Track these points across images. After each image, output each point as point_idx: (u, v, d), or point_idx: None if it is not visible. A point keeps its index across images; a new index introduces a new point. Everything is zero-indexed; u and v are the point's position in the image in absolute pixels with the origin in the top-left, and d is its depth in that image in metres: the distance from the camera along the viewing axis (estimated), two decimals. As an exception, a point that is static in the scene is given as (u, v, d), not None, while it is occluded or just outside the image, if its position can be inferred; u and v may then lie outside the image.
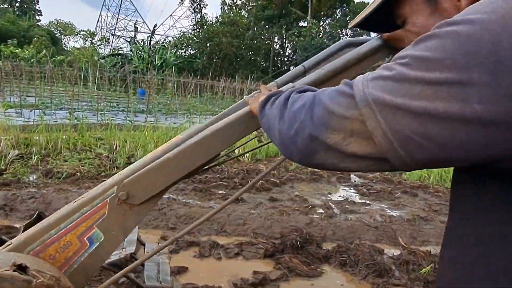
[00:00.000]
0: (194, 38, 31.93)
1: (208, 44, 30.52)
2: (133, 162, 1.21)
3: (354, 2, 42.38)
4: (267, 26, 40.12)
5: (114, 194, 1.02)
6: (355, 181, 6.31)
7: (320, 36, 38.58)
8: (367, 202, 5.12)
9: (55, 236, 1.00)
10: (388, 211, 4.76)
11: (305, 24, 40.73)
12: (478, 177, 0.51)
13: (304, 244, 3.03)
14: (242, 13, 36.35)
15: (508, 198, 0.48)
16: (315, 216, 4.01)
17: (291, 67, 44.05)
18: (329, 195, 5.26)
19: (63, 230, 1.00)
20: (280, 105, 0.63)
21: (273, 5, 38.69)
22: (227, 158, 1.74)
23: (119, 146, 5.94)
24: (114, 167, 5.18)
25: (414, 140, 0.42)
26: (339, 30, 41.66)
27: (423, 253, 3.26)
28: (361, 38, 1.54)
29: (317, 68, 1.48)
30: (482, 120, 0.38)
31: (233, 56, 31.35)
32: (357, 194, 5.54)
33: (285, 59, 44.87)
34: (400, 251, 3.33)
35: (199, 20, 33.78)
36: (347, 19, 42.35)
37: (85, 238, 1.02)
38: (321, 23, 42.60)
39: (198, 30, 32.99)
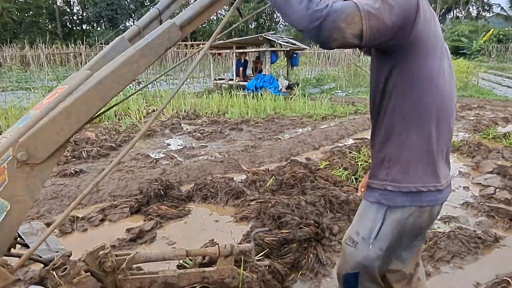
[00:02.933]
0: None
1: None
2: None
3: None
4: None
5: (11, 157, 0.93)
6: (187, 129, 6.59)
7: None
8: (204, 144, 5.51)
9: (-51, 219, 0.87)
10: (224, 147, 5.28)
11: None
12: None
13: (166, 190, 3.17)
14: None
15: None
16: (164, 167, 4.13)
17: (84, 26, 39.44)
18: (168, 147, 5.41)
19: (-42, 210, 0.88)
20: (306, 2, 1.01)
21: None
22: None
23: None
24: None
25: (372, 29, 1.00)
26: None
27: (263, 172, 3.87)
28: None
29: (170, 8, 1.56)
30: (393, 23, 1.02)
31: (10, 21, 25.59)
32: (193, 140, 5.86)
33: (74, 17, 39.64)
34: (246, 175, 3.85)
35: None
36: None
37: (-12, 212, 0.92)
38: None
39: None
